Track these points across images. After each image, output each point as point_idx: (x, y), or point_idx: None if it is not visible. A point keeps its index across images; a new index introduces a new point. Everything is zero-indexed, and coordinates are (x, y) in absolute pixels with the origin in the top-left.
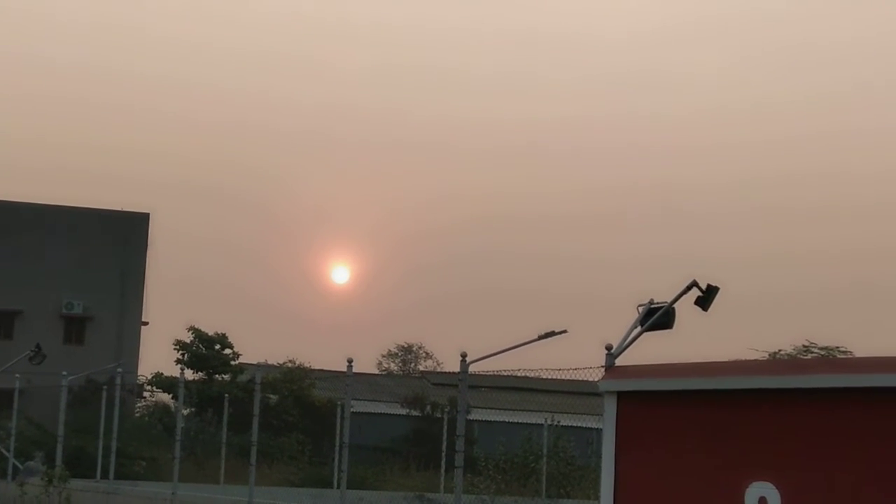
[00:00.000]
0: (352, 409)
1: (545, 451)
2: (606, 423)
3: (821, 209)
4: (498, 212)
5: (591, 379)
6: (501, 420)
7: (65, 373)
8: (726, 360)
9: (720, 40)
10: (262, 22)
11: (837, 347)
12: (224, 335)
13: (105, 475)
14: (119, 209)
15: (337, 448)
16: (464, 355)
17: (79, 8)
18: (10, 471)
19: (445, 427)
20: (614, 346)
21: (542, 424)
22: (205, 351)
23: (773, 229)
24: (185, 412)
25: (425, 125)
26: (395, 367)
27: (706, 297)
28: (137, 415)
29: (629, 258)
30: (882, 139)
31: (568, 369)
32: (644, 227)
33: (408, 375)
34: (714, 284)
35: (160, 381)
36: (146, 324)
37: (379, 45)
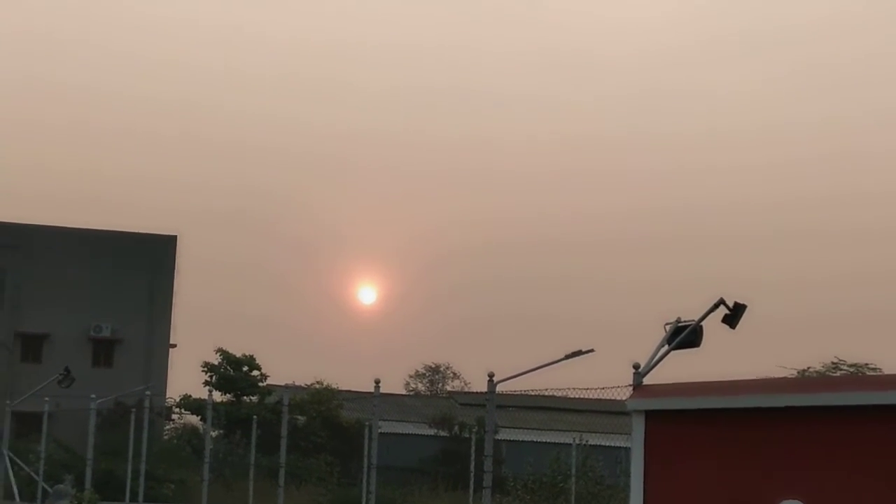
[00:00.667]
0: (379, 430)
1: (574, 470)
2: (635, 442)
3: (849, 228)
4: (523, 234)
5: (618, 398)
6: (529, 440)
7: (93, 395)
8: (754, 378)
9: (741, 61)
10: (284, 46)
11: (867, 364)
12: (252, 357)
13: (134, 498)
14: (146, 231)
15: (365, 469)
16: (491, 375)
17: (102, 34)
18: (39, 494)
19: (473, 447)
20: (642, 365)
21: (570, 444)
22: (232, 373)
23: (801, 249)
24: (214, 434)
25: (450, 147)
26: (423, 388)
27: (734, 315)
28: (166, 437)
29: (655, 280)
30: None
31: (596, 388)
32: (670, 249)
33: (435, 396)
34: (741, 302)
35: (188, 404)
36: (174, 346)
37: (398, 68)
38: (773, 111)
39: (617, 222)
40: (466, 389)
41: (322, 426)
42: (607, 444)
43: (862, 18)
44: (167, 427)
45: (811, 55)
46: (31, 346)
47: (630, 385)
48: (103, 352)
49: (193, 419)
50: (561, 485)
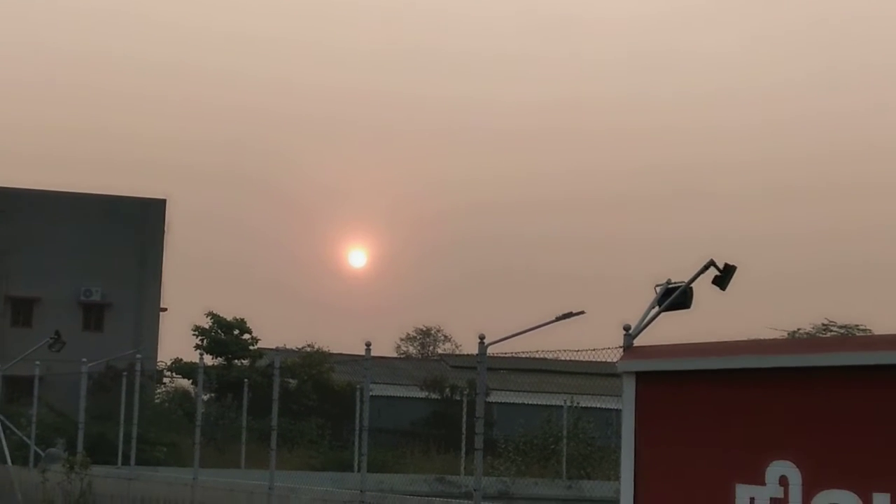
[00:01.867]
0: (371, 393)
1: (565, 432)
2: (625, 404)
3: (839, 187)
4: (514, 194)
5: (609, 360)
6: (521, 402)
7: (84, 360)
8: (745, 339)
9: (729, 21)
10: (273, 6)
11: (857, 325)
12: (242, 320)
13: (126, 461)
14: (135, 195)
15: (357, 432)
16: (482, 337)
17: None
18: (31, 458)
19: (465, 410)
20: (632, 327)
21: (561, 406)
22: (223, 336)
23: (791, 209)
24: (205, 398)
25: (440, 108)
26: (414, 351)
27: (724, 277)
28: (157, 401)
29: (646, 240)
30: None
31: (586, 350)
32: (660, 209)
33: (426, 358)
34: (731, 264)
35: (179, 367)
36: (165, 310)
37: (387, 28)
38: (761, 70)
39: (607, 182)
40: (457, 352)
41: (313, 389)
42: (598, 405)
43: None
44: (158, 391)
45: (802, 15)
46: (22, 311)
47: (620, 347)
48: (94, 316)
49: (185, 383)
50: (552, 446)
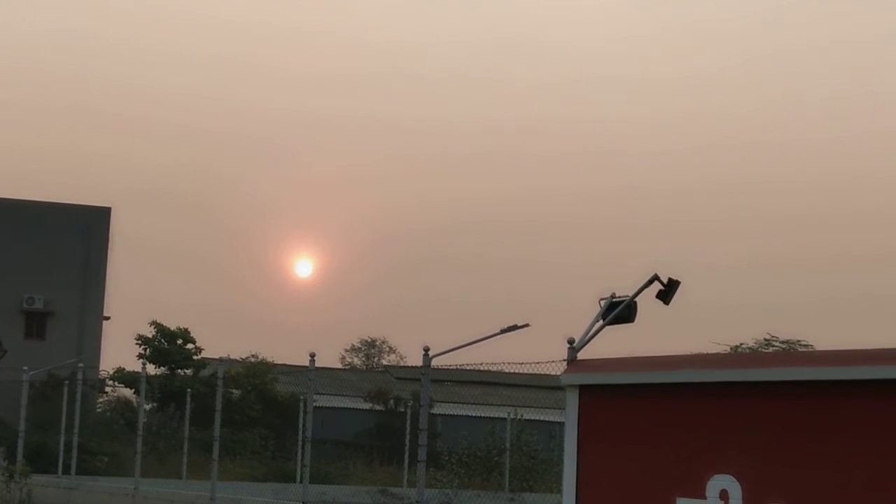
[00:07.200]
0: (315, 404)
1: (508, 444)
2: (568, 417)
3: (782, 215)
4: (463, 215)
5: (553, 373)
6: (465, 414)
7: (25, 368)
8: (688, 353)
9: (683, 48)
10: (218, 28)
11: (799, 341)
12: (186, 330)
13: (67, 470)
14: (80, 203)
15: (300, 443)
16: (426, 349)
17: (35, 14)
18: None
19: (409, 421)
20: (576, 340)
21: (505, 418)
22: (167, 346)
23: (735, 235)
24: (147, 407)
25: (389, 128)
26: (359, 362)
27: (668, 291)
28: (99, 410)
29: (592, 262)
30: (834, 147)
31: (530, 363)
32: (606, 232)
33: (371, 370)
34: (675, 278)
35: (122, 377)
36: (108, 319)
37: (335, 52)
38: (707, 98)
39: (555, 205)
40: (402, 364)
41: (257, 400)
42: (542, 418)
43: (792, 11)
44: (100, 400)
45: (748, 46)
46: None
47: (564, 360)
48: (36, 324)
49: (127, 392)
50: (496, 459)
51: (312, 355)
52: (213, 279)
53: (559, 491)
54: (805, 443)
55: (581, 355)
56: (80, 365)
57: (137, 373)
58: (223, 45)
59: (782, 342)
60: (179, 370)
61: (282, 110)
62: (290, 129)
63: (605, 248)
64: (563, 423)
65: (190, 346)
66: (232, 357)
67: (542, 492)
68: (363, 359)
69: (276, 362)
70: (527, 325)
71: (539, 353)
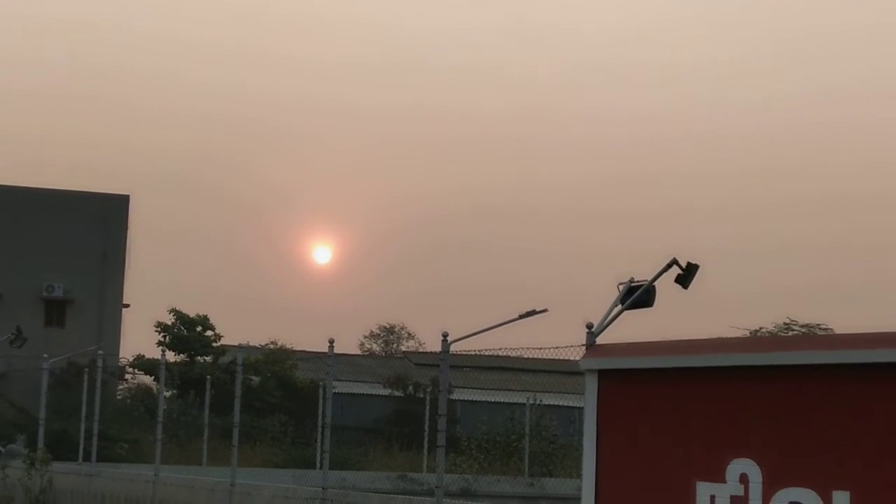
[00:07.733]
0: (334, 390)
1: (527, 430)
2: (588, 402)
3: (799, 200)
4: (481, 201)
5: (572, 358)
6: (484, 400)
7: (46, 356)
8: (707, 337)
9: (690, 35)
10: (235, 14)
11: (818, 325)
12: (205, 317)
13: (87, 458)
14: (99, 191)
15: (319, 429)
16: (445, 335)
17: (57, 4)
18: None
19: (428, 407)
20: (595, 325)
21: (524, 404)
22: (186, 333)
23: (753, 219)
24: (167, 394)
25: (407, 115)
26: (377, 348)
27: (686, 275)
28: (119, 397)
29: (612, 247)
30: (851, 133)
31: (549, 348)
32: (626, 217)
33: (390, 356)
34: (694, 262)
35: (142, 364)
36: (127, 306)
37: (353, 39)
38: (726, 83)
39: (574, 191)
40: (421, 349)
41: (276, 386)
42: (561, 403)
43: None
44: (120, 387)
45: (768, 31)
46: None
47: (583, 345)
48: (55, 312)
49: (147, 379)
50: (515, 444)
51: (331, 341)
52: (233, 266)
53: (579, 475)
54: (825, 427)
55: (600, 340)
56: (100, 352)
57: (157, 360)
58: (242, 33)
59: (802, 326)
60: (199, 357)
61: (300, 97)
62: (309, 115)
63: (624, 233)
64: (583, 407)
65: (209, 333)
66: (251, 344)
67: (562, 476)
68: (382, 345)
69: (295, 349)
70: (545, 311)
71: (558, 338)
